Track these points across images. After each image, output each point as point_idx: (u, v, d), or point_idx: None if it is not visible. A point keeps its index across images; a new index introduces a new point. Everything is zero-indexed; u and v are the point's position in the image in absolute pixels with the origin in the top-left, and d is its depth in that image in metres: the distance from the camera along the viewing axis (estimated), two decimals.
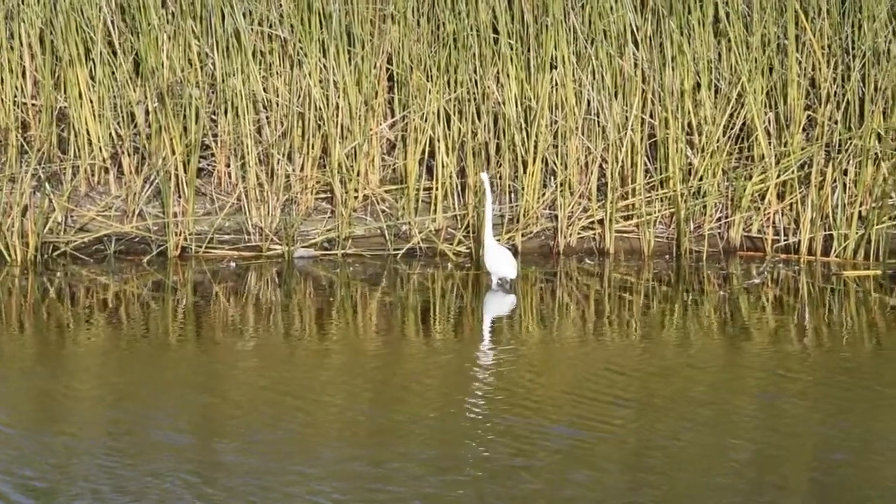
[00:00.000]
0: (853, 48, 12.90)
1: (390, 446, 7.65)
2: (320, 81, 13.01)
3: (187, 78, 12.95)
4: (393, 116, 13.15)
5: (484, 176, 11.92)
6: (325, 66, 13.04)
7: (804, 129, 12.97)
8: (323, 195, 13.08)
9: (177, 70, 12.98)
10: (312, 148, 12.99)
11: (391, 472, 7.26)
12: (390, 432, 7.91)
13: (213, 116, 13.07)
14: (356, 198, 12.96)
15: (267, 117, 13.03)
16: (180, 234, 12.80)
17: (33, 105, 13.14)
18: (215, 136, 13.05)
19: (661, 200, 12.97)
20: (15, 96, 13.08)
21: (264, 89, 13.04)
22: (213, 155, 13.12)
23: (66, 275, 12.30)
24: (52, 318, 10.84)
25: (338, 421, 8.13)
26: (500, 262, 11.62)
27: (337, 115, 12.96)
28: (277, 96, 13.01)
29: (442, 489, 7.02)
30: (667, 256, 12.86)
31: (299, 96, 13.00)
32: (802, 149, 12.86)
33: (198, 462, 7.40)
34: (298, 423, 8.03)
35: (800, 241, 12.79)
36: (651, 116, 12.98)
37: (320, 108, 12.97)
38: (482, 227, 11.99)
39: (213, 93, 13.07)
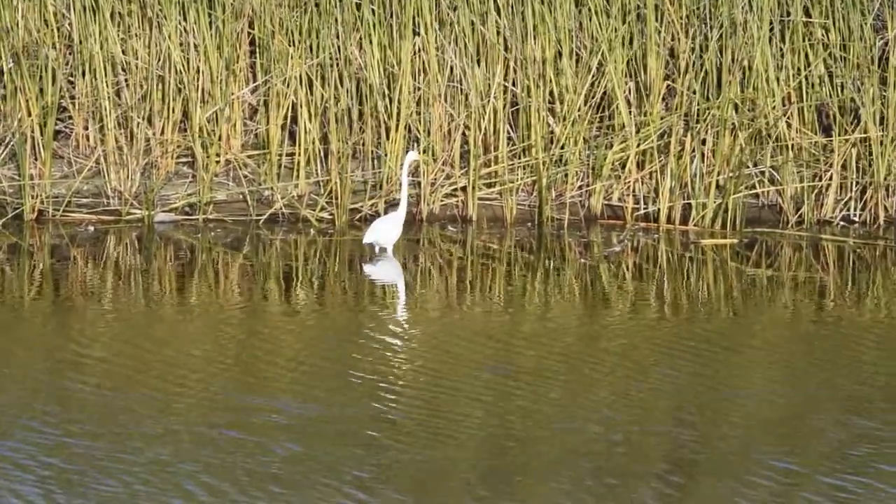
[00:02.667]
0: (711, 19, 13.09)
1: (247, 406, 7.62)
2: (180, 44, 12.86)
3: (43, 39, 12.71)
4: (255, 81, 13.05)
5: (411, 154, 11.80)
6: (185, 28, 12.88)
7: (664, 99, 13.14)
8: (184, 159, 12.93)
9: (32, 30, 12.72)
10: (173, 112, 12.83)
11: (246, 432, 7.23)
12: (247, 391, 7.88)
13: (70, 78, 12.84)
14: (218, 162, 12.84)
15: (126, 80, 12.84)
16: (37, 198, 12.57)
17: None
18: (73, 98, 12.83)
19: (524, 168, 13.06)
20: None
21: (123, 51, 12.84)
22: (70, 118, 12.89)
23: None
24: None
25: (192, 383, 8.07)
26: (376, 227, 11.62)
27: (198, 79, 12.81)
28: (137, 59, 12.83)
29: (294, 453, 7.02)
30: (529, 224, 12.96)
31: (159, 59, 12.83)
32: (662, 118, 13.04)
33: (50, 425, 7.29)
34: (153, 388, 7.95)
35: (659, 209, 12.97)
36: (514, 84, 13.05)
37: (180, 72, 12.81)
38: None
39: (70, 54, 12.84)
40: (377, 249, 11.68)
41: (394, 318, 9.87)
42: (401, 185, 11.87)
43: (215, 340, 9.04)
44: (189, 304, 10.14)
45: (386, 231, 11.60)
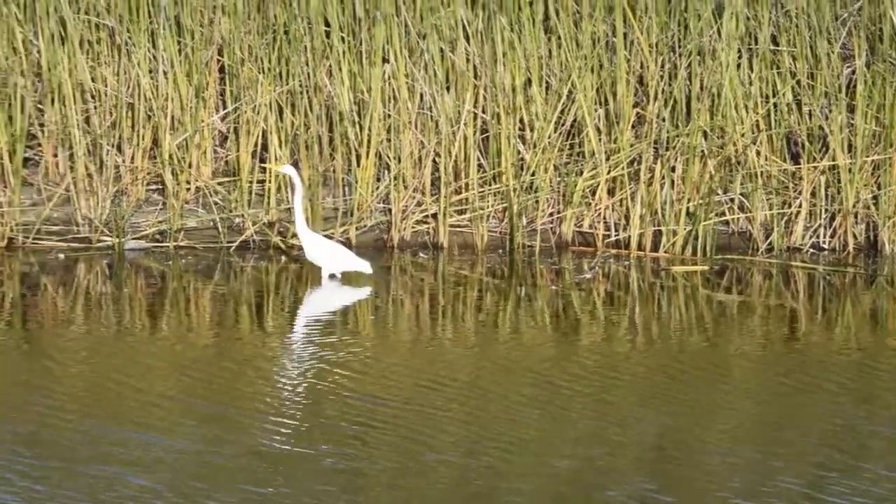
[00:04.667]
0: (679, 47, 13.17)
1: (216, 434, 7.59)
2: (150, 71, 12.84)
3: (12, 66, 12.66)
4: (225, 108, 13.03)
5: (289, 168, 11.83)
6: (154, 56, 12.86)
7: (633, 126, 13.20)
8: (154, 186, 12.90)
9: (1, 58, 12.68)
10: (143, 139, 12.80)
11: (231, 470, 7.20)
12: (214, 421, 7.85)
13: (39, 106, 12.79)
14: (188, 189, 12.81)
15: (95, 107, 12.81)
16: (6, 225, 12.51)
17: None
18: (42, 125, 12.78)
19: (495, 195, 13.09)
20: None
21: (92, 79, 12.81)
22: (40, 145, 12.85)
23: None
24: None
25: (165, 411, 8.04)
26: (322, 254, 11.61)
27: (167, 106, 12.79)
28: (106, 86, 12.80)
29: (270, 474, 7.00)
30: (500, 251, 12.98)
31: (128, 86, 12.80)
32: (632, 145, 13.09)
33: (38, 458, 7.25)
34: (126, 416, 7.92)
35: (630, 236, 13.02)
36: (484, 111, 13.08)
37: (150, 99, 12.79)
38: (295, 220, 11.88)
39: (39, 81, 12.80)
40: (338, 276, 11.69)
41: (363, 346, 9.85)
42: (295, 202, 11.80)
43: (180, 370, 8.99)
44: (158, 333, 10.10)
45: (329, 253, 11.62)
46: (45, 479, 6.91)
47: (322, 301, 11.30)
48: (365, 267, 11.65)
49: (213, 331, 10.21)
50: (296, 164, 12.70)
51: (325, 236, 12.01)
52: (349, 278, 11.85)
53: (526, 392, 8.65)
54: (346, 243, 12.66)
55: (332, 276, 11.69)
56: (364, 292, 11.55)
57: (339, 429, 7.83)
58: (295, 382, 8.79)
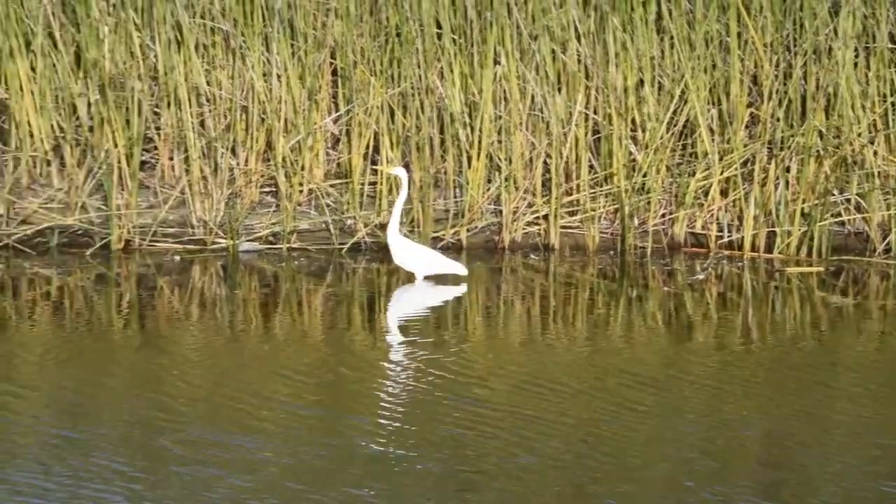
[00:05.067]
0: (795, 46, 13.01)
1: (315, 436, 7.63)
2: (264, 75, 12.97)
3: (129, 71, 12.86)
4: (337, 110, 13.12)
5: (400, 170, 11.86)
6: (268, 59, 12.99)
7: (747, 127, 13.07)
8: (267, 189, 13.03)
9: (119, 63, 12.88)
10: (256, 141, 12.94)
11: (330, 471, 7.24)
12: (329, 429, 7.89)
13: (156, 109, 12.98)
14: (301, 192, 12.92)
15: (210, 110, 12.96)
16: (123, 227, 12.71)
17: None
18: (158, 129, 12.97)
19: (606, 196, 13.03)
20: None
21: (207, 82, 12.97)
22: (156, 148, 13.04)
23: (9, 267, 12.18)
24: None
25: (267, 412, 8.10)
26: (410, 259, 11.63)
27: (281, 109, 12.91)
28: (220, 89, 12.95)
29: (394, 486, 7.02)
30: (611, 252, 12.92)
31: (242, 90, 12.95)
32: (745, 146, 12.96)
33: (139, 458, 7.35)
34: (240, 418, 7.99)
35: (743, 237, 12.89)
36: (595, 112, 13.03)
37: (264, 102, 12.92)
38: (389, 222, 11.91)
39: (155, 85, 12.99)
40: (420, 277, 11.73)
41: (472, 349, 9.85)
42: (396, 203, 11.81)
43: (287, 372, 9.06)
44: (269, 334, 10.19)
45: (416, 257, 11.63)
46: (144, 479, 6.99)
47: (431, 303, 11.33)
48: (459, 268, 11.65)
49: (322, 333, 10.28)
50: (407, 167, 12.75)
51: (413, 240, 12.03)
52: (457, 280, 11.85)
53: (634, 394, 8.59)
54: (458, 244, 12.67)
55: (425, 279, 11.72)
56: (474, 294, 11.55)
57: (438, 431, 7.84)
58: (400, 384, 8.82)
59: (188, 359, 9.34)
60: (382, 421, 8.02)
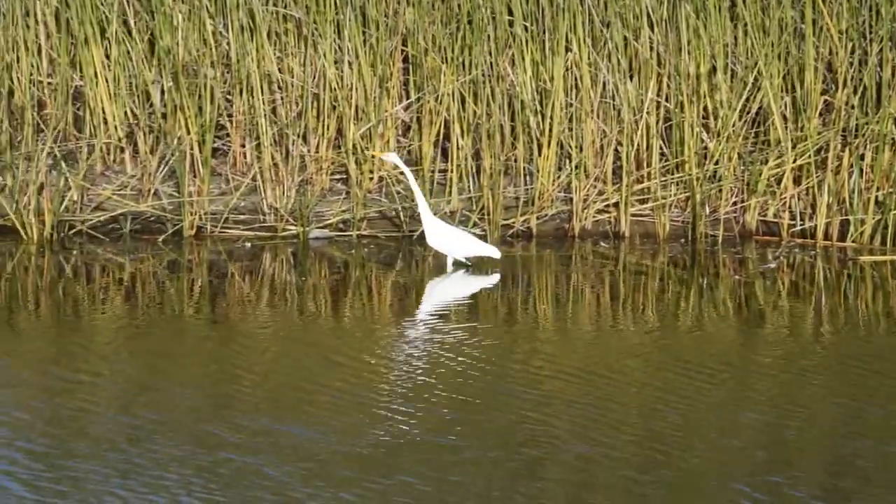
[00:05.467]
0: (870, 33, 12.86)
1: (396, 427, 7.65)
2: (335, 62, 13.01)
3: (202, 58, 12.94)
4: (408, 98, 13.14)
5: (392, 156, 11.84)
6: (340, 46, 13.02)
7: (821, 114, 12.94)
8: (338, 176, 13.07)
9: (192, 50, 12.97)
10: (327, 129, 12.98)
11: (380, 459, 7.25)
12: (395, 415, 7.91)
13: (228, 96, 13.06)
14: (371, 179, 12.95)
15: (282, 97, 13.02)
16: (195, 214, 12.80)
17: (49, 84, 13.14)
18: (230, 116, 13.05)
19: (677, 184, 12.96)
20: (31, 75, 13.08)
21: (279, 69, 13.03)
22: (228, 135, 13.12)
23: (82, 253, 12.31)
24: (68, 297, 10.84)
25: (334, 403, 8.12)
26: (445, 241, 11.62)
27: (352, 96, 12.95)
28: (292, 76, 13.00)
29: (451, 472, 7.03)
30: (682, 240, 12.86)
31: (314, 77, 12.99)
32: (819, 133, 12.83)
33: (211, 444, 7.40)
34: (309, 404, 8.03)
35: (816, 225, 12.77)
36: (667, 100, 12.95)
37: (335, 89, 12.96)
38: (417, 206, 11.87)
39: (228, 73, 13.06)
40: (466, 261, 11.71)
41: (537, 336, 9.84)
42: (412, 188, 11.81)
43: (348, 360, 9.09)
44: (338, 322, 10.23)
45: (453, 240, 11.62)
46: (194, 464, 7.02)
47: (499, 291, 11.32)
48: (493, 252, 11.63)
49: (388, 321, 10.30)
50: (478, 154, 12.75)
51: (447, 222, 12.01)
52: (529, 267, 11.85)
53: (701, 384, 8.54)
54: (527, 233, 12.65)
55: (456, 263, 11.71)
56: (543, 282, 11.53)
57: (495, 420, 7.84)
58: (461, 372, 8.82)
59: (253, 346, 9.40)
60: (440, 410, 8.03)
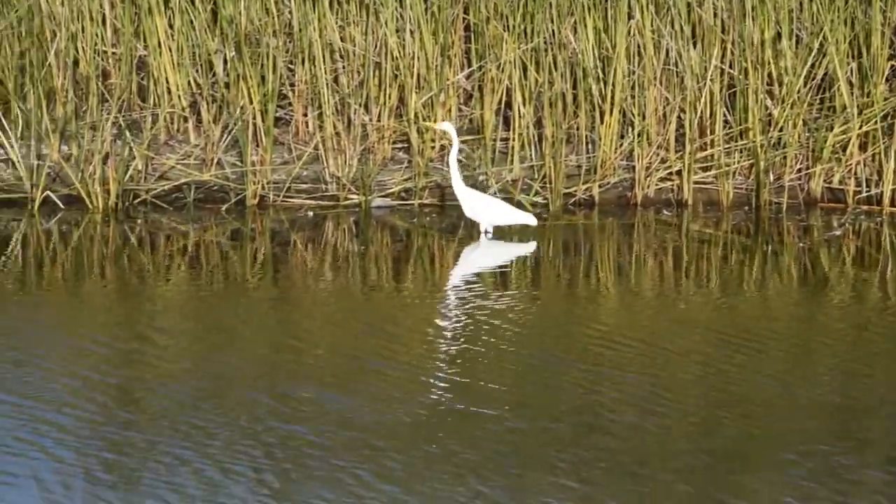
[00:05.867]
0: None
1: (466, 397, 7.66)
2: (397, 31, 13.00)
3: (265, 27, 12.97)
4: (469, 66, 13.11)
5: (446, 125, 11.83)
6: (401, 15, 13.01)
7: (887, 80, 12.79)
8: (400, 145, 13.08)
9: (254, 19, 13.00)
10: (389, 98, 12.98)
11: (473, 422, 7.27)
12: (462, 386, 7.92)
13: (290, 66, 13.09)
14: (433, 148, 12.95)
15: (344, 67, 13.03)
16: (258, 183, 12.86)
17: (113, 54, 13.22)
18: (293, 85, 13.08)
19: (741, 151, 12.86)
20: (95, 45, 13.16)
21: (341, 39, 13.03)
22: (290, 104, 13.15)
23: (147, 222, 12.40)
24: (134, 266, 10.93)
25: (410, 370, 8.15)
26: (481, 209, 11.61)
27: (413, 65, 12.94)
28: (354, 45, 13.01)
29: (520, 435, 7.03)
30: (746, 208, 12.77)
31: (376, 46, 12.99)
32: (885, 99, 12.69)
33: (273, 410, 7.45)
34: (372, 373, 8.06)
35: (882, 192, 12.64)
36: (730, 67, 12.85)
37: (397, 58, 12.95)
38: (451, 177, 11.87)
39: (290, 42, 13.09)
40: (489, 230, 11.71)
41: (610, 304, 9.81)
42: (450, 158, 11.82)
43: (435, 325, 9.11)
44: (399, 290, 10.25)
45: (486, 207, 11.62)
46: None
47: (560, 259, 11.29)
48: (529, 219, 11.61)
49: (447, 289, 10.31)
50: (539, 122, 12.71)
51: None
52: (591, 236, 11.81)
53: (764, 353, 8.49)
54: (590, 200, 12.60)
55: (486, 232, 11.70)
56: (605, 251, 11.50)
57: (533, 388, 7.83)
58: (516, 342, 8.81)
59: (312, 315, 9.44)
60: (485, 383, 8.03)
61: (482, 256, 11.34)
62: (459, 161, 12.77)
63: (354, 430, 7.13)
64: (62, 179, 12.74)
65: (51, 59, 12.93)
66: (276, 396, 7.62)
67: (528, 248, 11.55)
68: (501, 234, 11.93)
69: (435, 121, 12.61)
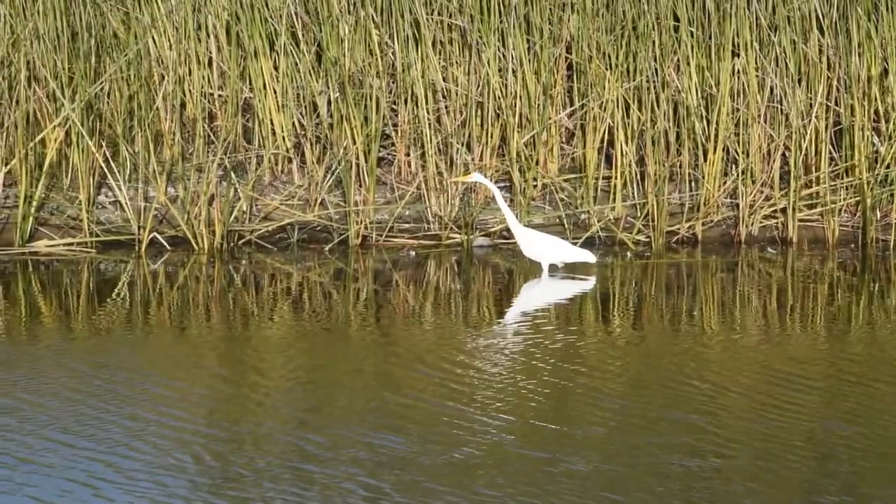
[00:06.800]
0: None
1: (565, 434, 7.63)
2: (499, 70, 13.04)
3: (368, 68, 13.09)
4: (571, 105, 13.12)
5: (477, 175, 11.81)
6: (503, 54, 13.06)
7: None
8: (501, 184, 13.11)
9: (358, 60, 13.12)
10: (491, 137, 13.03)
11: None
12: (563, 420, 7.89)
13: (393, 106, 13.19)
14: (535, 186, 12.96)
15: (446, 106, 13.11)
16: (361, 223, 12.95)
17: (219, 96, 13.41)
18: (395, 125, 13.17)
19: (847, 189, 12.72)
20: (202, 87, 13.36)
21: (443, 78, 13.11)
22: (393, 144, 13.24)
23: (251, 263, 12.54)
24: (238, 306, 11.05)
25: (514, 406, 8.13)
26: (539, 248, 11.58)
27: (515, 104, 12.97)
28: (456, 85, 13.08)
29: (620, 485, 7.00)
30: (852, 245, 12.62)
31: (478, 85, 13.05)
32: None
33: (379, 451, 7.47)
34: (474, 411, 8.05)
35: None
36: (836, 103, 12.72)
37: (499, 97, 12.99)
38: (506, 220, 11.85)
39: (393, 82, 13.19)
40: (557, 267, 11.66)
41: (713, 341, 9.73)
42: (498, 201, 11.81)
43: (531, 363, 9.10)
44: (506, 327, 10.25)
45: (545, 246, 11.60)
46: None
47: (666, 298, 11.22)
48: (588, 256, 11.56)
49: (542, 330, 10.29)
50: (642, 160, 12.68)
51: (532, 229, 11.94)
52: (693, 274, 11.73)
53: (862, 395, 8.36)
54: (693, 239, 12.53)
55: (553, 269, 11.66)
56: (709, 288, 11.41)
57: (599, 432, 7.77)
58: (609, 379, 8.76)
59: (411, 356, 9.46)
60: (546, 424, 7.99)
61: (562, 292, 11.28)
62: (562, 200, 12.75)
63: (406, 472, 7.13)
64: (168, 221, 12.93)
65: (158, 103, 13.15)
66: (330, 438, 7.61)
67: (627, 289, 11.50)
68: (588, 272, 11.88)
69: (465, 174, 12.62)
